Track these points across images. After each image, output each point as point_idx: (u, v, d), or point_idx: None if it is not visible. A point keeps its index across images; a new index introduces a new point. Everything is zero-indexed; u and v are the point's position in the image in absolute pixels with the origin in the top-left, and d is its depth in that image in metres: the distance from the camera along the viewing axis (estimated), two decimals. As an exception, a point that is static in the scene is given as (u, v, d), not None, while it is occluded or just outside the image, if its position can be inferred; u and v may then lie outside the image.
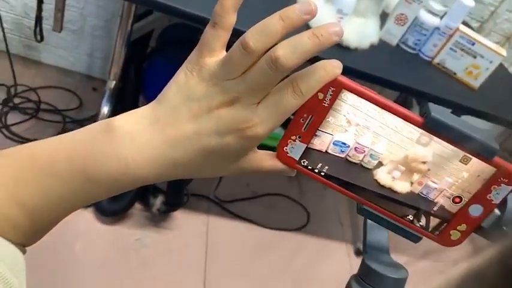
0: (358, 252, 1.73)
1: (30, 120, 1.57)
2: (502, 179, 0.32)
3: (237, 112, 0.31)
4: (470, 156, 0.32)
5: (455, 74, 1.27)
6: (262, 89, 0.31)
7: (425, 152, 0.33)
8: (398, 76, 1.18)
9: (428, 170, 0.34)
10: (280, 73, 0.30)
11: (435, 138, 0.32)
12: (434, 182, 0.34)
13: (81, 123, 1.62)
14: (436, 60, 1.29)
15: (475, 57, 1.22)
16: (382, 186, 0.35)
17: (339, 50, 1.11)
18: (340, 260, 1.69)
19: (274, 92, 0.32)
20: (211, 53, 0.32)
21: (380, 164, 0.34)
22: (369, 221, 0.38)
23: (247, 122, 0.31)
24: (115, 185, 0.33)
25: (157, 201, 1.42)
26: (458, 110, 1.32)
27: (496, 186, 0.33)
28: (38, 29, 1.29)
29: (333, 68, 0.31)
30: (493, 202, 0.33)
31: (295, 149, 0.34)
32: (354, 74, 1.09)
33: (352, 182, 0.35)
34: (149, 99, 1.61)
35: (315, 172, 0.35)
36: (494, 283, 0.18)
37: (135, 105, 1.44)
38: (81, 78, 1.82)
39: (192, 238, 1.53)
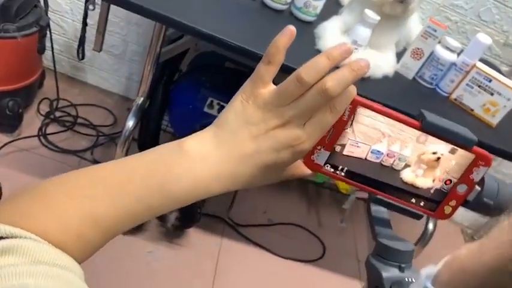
0: (372, 291, 1.67)
1: (66, 132, 1.70)
2: (480, 162, 0.42)
3: (290, 132, 0.39)
4: (456, 147, 0.41)
5: (472, 110, 1.27)
6: (310, 112, 0.38)
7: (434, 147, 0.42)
8: (415, 108, 1.18)
9: (439, 158, 0.42)
10: (328, 100, 0.37)
11: (430, 136, 0.41)
12: (454, 177, 0.43)
13: (111, 138, 1.73)
14: (453, 96, 1.29)
15: (492, 94, 1.22)
16: (406, 183, 0.44)
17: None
18: (354, 298, 1.64)
19: (317, 113, 0.39)
20: (264, 84, 0.39)
21: (407, 166, 0.43)
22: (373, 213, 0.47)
23: (299, 139, 0.39)
24: (186, 199, 0.40)
25: (172, 217, 1.47)
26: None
27: (476, 168, 0.42)
28: (80, 48, 1.43)
29: (353, 89, 0.39)
30: (474, 181, 0.43)
31: (320, 157, 0.42)
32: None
33: (382, 180, 0.44)
34: (172, 117, 1.68)
35: (337, 173, 0.43)
36: None
37: (158, 122, 1.53)
38: (118, 98, 1.96)
39: (203, 257, 1.55)
